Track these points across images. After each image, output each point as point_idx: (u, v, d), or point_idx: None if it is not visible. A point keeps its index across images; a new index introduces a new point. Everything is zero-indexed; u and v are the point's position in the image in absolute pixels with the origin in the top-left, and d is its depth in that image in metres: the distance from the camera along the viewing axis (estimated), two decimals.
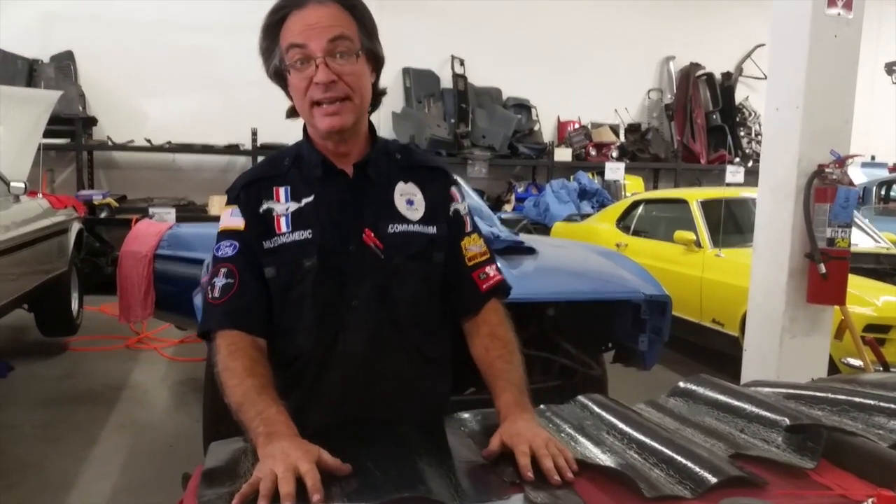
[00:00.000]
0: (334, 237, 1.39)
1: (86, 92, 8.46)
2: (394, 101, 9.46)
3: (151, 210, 7.16)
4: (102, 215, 7.79)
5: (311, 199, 1.40)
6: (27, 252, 4.67)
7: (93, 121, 8.45)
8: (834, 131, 2.87)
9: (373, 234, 1.39)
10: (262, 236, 1.39)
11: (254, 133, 8.45)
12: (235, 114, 8.68)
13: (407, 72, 9.54)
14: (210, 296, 1.37)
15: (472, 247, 1.51)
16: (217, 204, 7.78)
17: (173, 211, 6.85)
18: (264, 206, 1.41)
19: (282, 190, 1.42)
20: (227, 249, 1.39)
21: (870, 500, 0.84)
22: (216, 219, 5.17)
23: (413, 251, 1.42)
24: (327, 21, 1.32)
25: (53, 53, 8.43)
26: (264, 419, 1.19)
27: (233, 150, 8.65)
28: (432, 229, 1.45)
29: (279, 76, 1.39)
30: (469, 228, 1.52)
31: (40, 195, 5.57)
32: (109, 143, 8.42)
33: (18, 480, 3.26)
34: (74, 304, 5.79)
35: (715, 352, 4.92)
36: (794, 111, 2.83)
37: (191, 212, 7.75)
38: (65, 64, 8.40)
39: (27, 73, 8.21)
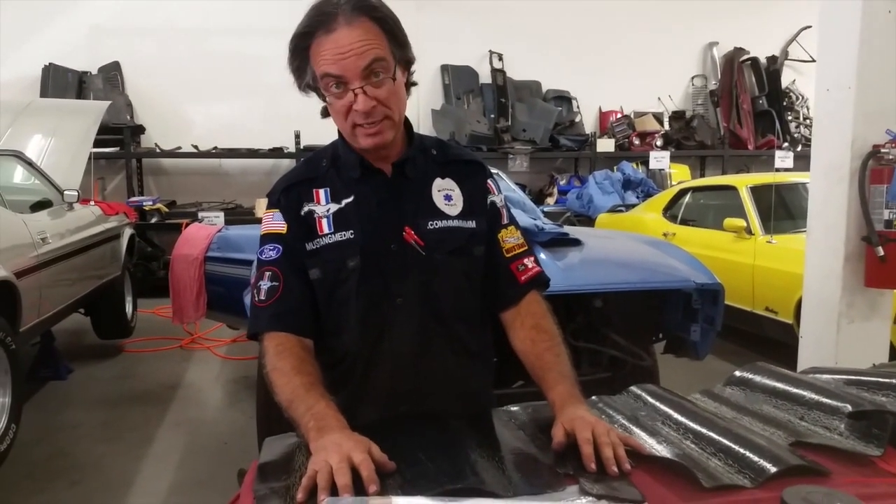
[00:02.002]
0: (375, 236, 1.39)
1: (133, 101, 8.68)
2: (433, 98, 9.47)
3: (200, 214, 7.28)
4: (153, 220, 7.97)
5: (350, 199, 1.41)
6: (81, 258, 4.81)
7: (140, 129, 8.67)
8: (888, 110, 2.78)
9: (413, 232, 1.40)
10: (305, 238, 1.40)
11: (297, 136, 8.55)
12: (279, 117, 8.79)
13: (445, 69, 9.54)
14: (256, 298, 1.39)
15: (510, 238, 1.50)
16: (263, 206, 7.86)
17: (222, 214, 6.94)
18: (305, 209, 1.41)
19: (321, 192, 1.42)
20: (271, 253, 1.40)
21: None
22: None
23: (453, 246, 1.43)
24: (360, 46, 1.28)
25: (101, 65, 8.67)
26: (314, 414, 1.20)
27: (277, 153, 8.78)
28: (471, 223, 1.45)
29: (311, 88, 1.38)
30: (506, 220, 1.52)
31: (92, 203, 5.73)
32: (157, 149, 8.61)
33: (79, 479, 3.36)
34: (128, 308, 5.93)
35: (769, 340, 4.83)
36: (846, 91, 2.75)
37: (238, 215, 7.87)
38: (112, 74, 8.63)
39: (77, 85, 8.46)
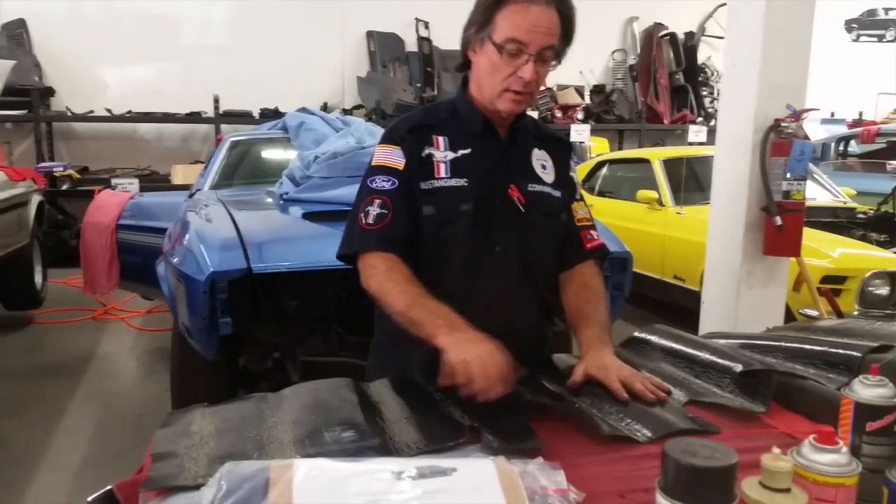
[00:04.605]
0: (486, 188, 1.53)
1: (41, 61, 8.26)
2: (359, 65, 9.36)
3: (114, 181, 7.02)
4: (64, 187, 7.65)
5: (468, 151, 1.54)
6: None
7: (50, 91, 8.27)
8: (790, 86, 2.91)
9: (517, 190, 1.54)
10: (421, 178, 1.51)
11: (216, 100, 8.34)
12: (196, 81, 8.56)
13: (371, 35, 9.43)
14: (364, 221, 1.49)
15: (581, 210, 1.68)
16: (181, 173, 7.67)
17: (136, 181, 6.72)
18: (426, 151, 1.53)
19: (441, 139, 1.55)
20: (385, 183, 1.51)
21: (811, 437, 0.88)
22: (180, 188, 5.09)
23: (548, 209, 1.59)
24: (547, 27, 1.44)
25: (4, 22, 8.19)
26: (441, 314, 1.37)
27: (195, 118, 8.53)
28: (559, 192, 1.61)
29: (474, 41, 1.49)
30: (578, 195, 1.69)
31: None
32: (68, 113, 8.25)
33: None
34: (38, 277, 5.71)
35: (678, 307, 5.02)
36: (752, 67, 2.87)
37: (154, 181, 7.64)
38: (17, 33, 8.18)
39: None
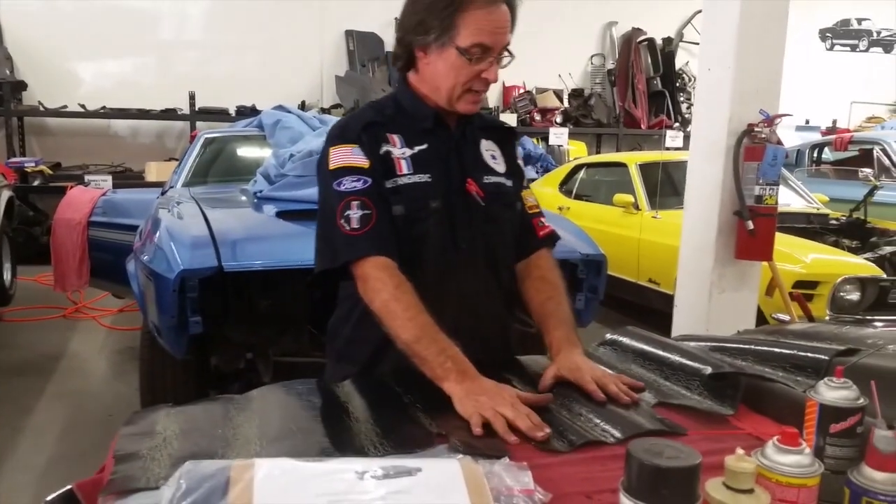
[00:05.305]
0: (447, 183, 1.51)
1: (13, 55, 8.14)
2: (338, 64, 9.33)
3: (87, 177, 6.93)
4: (35, 183, 7.54)
5: (424, 147, 1.52)
6: None
7: (22, 85, 8.15)
8: (764, 91, 2.93)
9: (475, 184, 1.53)
10: (383, 176, 1.47)
11: (191, 97, 8.26)
12: (172, 77, 8.48)
13: (350, 34, 9.40)
14: (347, 228, 1.42)
15: (530, 198, 1.68)
16: (155, 170, 7.59)
17: (110, 178, 6.65)
18: (383, 149, 1.50)
19: (396, 136, 1.52)
20: (356, 184, 1.45)
21: (774, 438, 0.89)
22: (154, 185, 5.00)
23: (505, 200, 1.59)
24: (505, 26, 1.44)
25: None
26: (451, 356, 1.30)
27: (170, 114, 8.44)
28: (510, 182, 1.61)
29: (433, 41, 1.45)
30: (527, 182, 1.69)
31: None
32: (41, 108, 8.14)
33: None
34: (7, 274, 5.64)
35: (652, 310, 5.05)
36: (726, 71, 2.89)
37: (128, 178, 7.56)
38: None
39: None
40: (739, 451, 0.83)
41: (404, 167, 1.49)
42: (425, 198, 1.49)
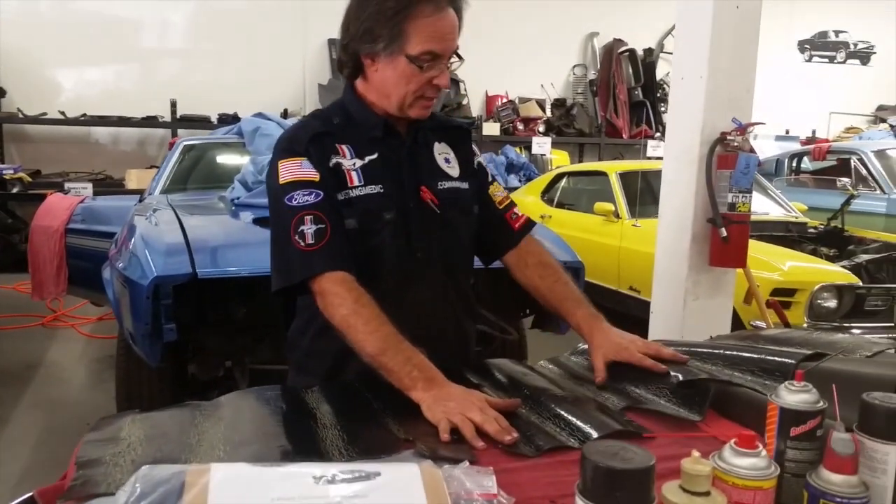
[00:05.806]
0: (400, 192, 1.49)
1: None
2: (320, 72, 9.33)
3: (67, 185, 6.89)
4: (14, 190, 7.47)
5: (374, 156, 1.49)
6: None
7: (1, 92, 8.08)
8: (736, 100, 2.95)
9: (429, 192, 1.51)
10: (334, 189, 1.45)
11: (173, 104, 8.23)
12: (153, 84, 8.44)
13: (333, 43, 9.38)
14: (302, 244, 1.39)
15: (498, 193, 1.66)
16: (135, 178, 7.55)
17: (90, 185, 6.61)
18: (333, 161, 1.47)
19: (345, 147, 1.48)
20: (308, 198, 1.41)
21: (732, 441, 0.90)
22: (135, 193, 4.98)
23: (461, 206, 1.57)
24: (453, 31, 1.43)
25: None
26: (417, 365, 1.28)
27: (151, 122, 8.41)
28: (467, 184, 1.59)
29: (381, 49, 1.43)
30: (491, 178, 1.67)
31: None
32: (20, 115, 8.07)
33: None
34: None
35: (632, 317, 5.06)
36: (699, 80, 2.91)
37: (108, 186, 7.52)
38: None
39: None
40: (695, 453, 0.84)
41: (355, 179, 1.47)
42: (378, 210, 1.47)
